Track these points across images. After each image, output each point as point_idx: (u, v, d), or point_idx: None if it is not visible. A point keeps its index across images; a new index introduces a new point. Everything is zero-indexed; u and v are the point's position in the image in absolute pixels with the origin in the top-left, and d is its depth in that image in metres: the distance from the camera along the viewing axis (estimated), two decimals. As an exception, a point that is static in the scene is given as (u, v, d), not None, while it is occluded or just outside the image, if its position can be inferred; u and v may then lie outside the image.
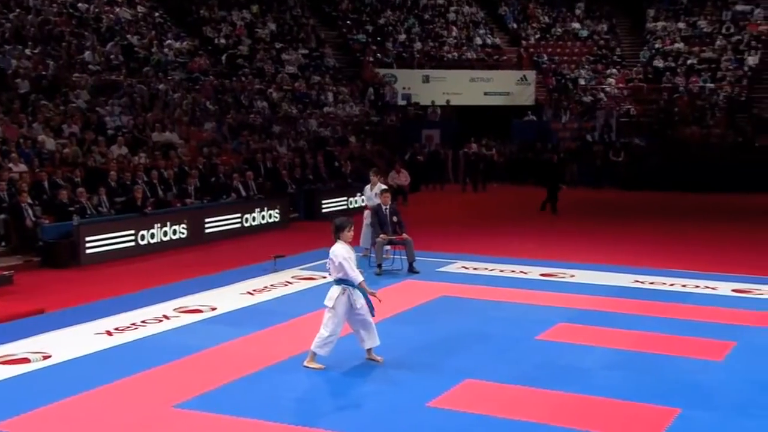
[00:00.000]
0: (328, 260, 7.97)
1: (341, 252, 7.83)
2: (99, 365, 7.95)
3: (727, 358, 8.20)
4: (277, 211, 18.39)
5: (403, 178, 22.24)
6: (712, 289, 11.13)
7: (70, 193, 15.43)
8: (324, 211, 19.89)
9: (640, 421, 6.60)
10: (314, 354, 7.83)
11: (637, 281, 11.55)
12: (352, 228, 8.04)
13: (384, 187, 12.68)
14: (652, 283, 11.45)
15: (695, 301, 10.47)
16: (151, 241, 15.47)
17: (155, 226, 15.60)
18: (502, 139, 29.03)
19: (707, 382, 7.49)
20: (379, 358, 8.00)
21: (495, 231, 17.57)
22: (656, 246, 15.61)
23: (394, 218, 12.12)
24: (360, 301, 7.83)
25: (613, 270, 12.29)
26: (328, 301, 7.85)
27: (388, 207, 12.15)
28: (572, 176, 26.43)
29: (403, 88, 30.05)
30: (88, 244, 14.40)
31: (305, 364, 7.85)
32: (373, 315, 7.89)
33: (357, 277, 7.80)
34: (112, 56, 24.43)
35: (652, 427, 6.46)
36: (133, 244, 15.13)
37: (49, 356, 8.19)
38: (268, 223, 18.10)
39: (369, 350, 8.01)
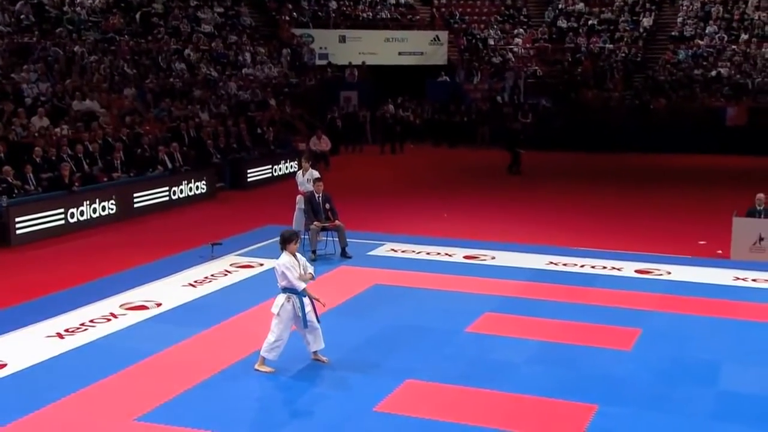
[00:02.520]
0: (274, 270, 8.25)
1: (284, 262, 8.12)
2: (55, 374, 8.04)
3: (634, 347, 8.92)
4: (203, 182, 18.37)
5: (324, 144, 22.43)
6: (618, 270, 11.89)
7: (-5, 172, 15.03)
8: (249, 180, 19.95)
9: (563, 420, 7.21)
10: (264, 358, 8.17)
11: (551, 263, 12.22)
12: (299, 241, 8.31)
13: (317, 175, 12.87)
14: (564, 264, 12.14)
15: (603, 284, 11.18)
16: (81, 219, 15.33)
17: (84, 203, 15.43)
18: (417, 99, 29.38)
19: (620, 374, 8.16)
20: (324, 358, 8.38)
21: (416, 201, 18.05)
22: (565, 215, 16.51)
23: (327, 205, 12.39)
24: (307, 308, 8.17)
25: (528, 250, 12.92)
26: (274, 308, 8.16)
27: (320, 195, 12.40)
28: (483, 138, 27.16)
29: (320, 48, 29.86)
30: (18, 225, 14.18)
31: (256, 367, 8.16)
32: (318, 322, 8.25)
33: (299, 285, 8.11)
34: (22, 16, 23.42)
35: (575, 426, 7.09)
36: (62, 222, 14.96)
37: (5, 365, 8.21)
38: (195, 194, 18.08)
39: (315, 351, 8.39)
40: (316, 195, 12.38)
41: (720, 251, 13.31)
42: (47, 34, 22.90)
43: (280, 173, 20.79)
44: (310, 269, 8.29)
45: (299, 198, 13.09)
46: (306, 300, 8.15)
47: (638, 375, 8.16)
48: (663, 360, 8.56)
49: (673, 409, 7.39)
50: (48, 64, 20.99)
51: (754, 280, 11.43)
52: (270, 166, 20.75)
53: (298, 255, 8.28)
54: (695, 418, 7.23)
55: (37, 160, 15.98)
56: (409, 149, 26.84)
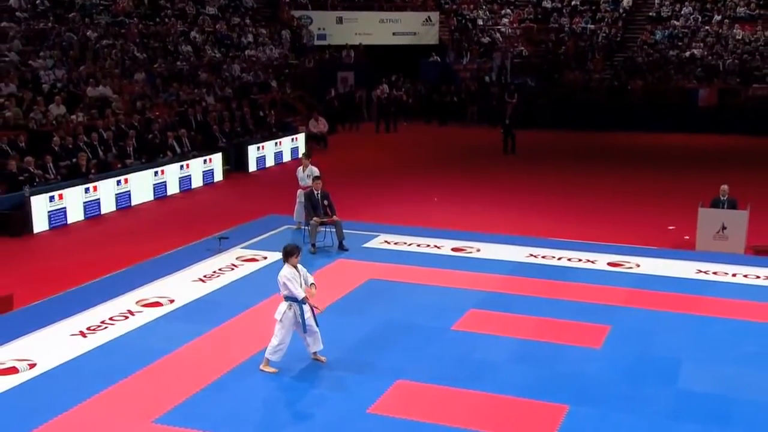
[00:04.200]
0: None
1: (286, 273, 8.39)
2: (79, 374, 8.29)
3: (604, 345, 9.19)
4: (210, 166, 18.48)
5: (322, 125, 22.52)
6: (592, 262, 12.13)
7: (18, 162, 15.16)
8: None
9: (537, 421, 7.52)
10: (268, 359, 8.47)
11: (531, 255, 12.44)
12: (300, 254, 8.54)
13: (317, 173, 13.02)
14: (543, 257, 12.37)
15: (577, 278, 11.41)
16: (98, 205, 15.50)
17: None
18: (411, 78, 29.33)
19: (590, 372, 8.44)
20: (323, 358, 8.68)
21: (409, 184, 18.26)
22: (546, 197, 16.80)
23: (325, 202, 12.58)
24: (307, 314, 8.45)
25: (510, 241, 13.14)
26: (277, 315, 8.44)
27: (319, 192, 12.58)
28: (472, 116, 27.21)
29: (318, 29, 29.68)
30: (39, 213, 14.34)
31: (261, 368, 8.46)
32: (317, 326, 8.54)
33: (300, 294, 8.38)
34: (38, 2, 23.28)
35: (547, 427, 7.41)
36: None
37: (35, 364, 8.48)
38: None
39: (314, 352, 8.69)
40: (315, 192, 12.56)
41: (687, 237, 13.58)
42: (61, 20, 22.78)
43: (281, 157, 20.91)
44: (311, 279, 8.55)
45: (300, 192, 13.28)
46: (306, 307, 8.42)
47: (606, 374, 8.43)
48: (628, 358, 8.82)
49: (636, 409, 7.67)
50: (63, 50, 20.93)
51: (714, 273, 11.71)
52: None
53: (300, 266, 8.52)
54: (655, 419, 7.52)
55: (56, 149, 16.11)
56: (403, 127, 26.92)
